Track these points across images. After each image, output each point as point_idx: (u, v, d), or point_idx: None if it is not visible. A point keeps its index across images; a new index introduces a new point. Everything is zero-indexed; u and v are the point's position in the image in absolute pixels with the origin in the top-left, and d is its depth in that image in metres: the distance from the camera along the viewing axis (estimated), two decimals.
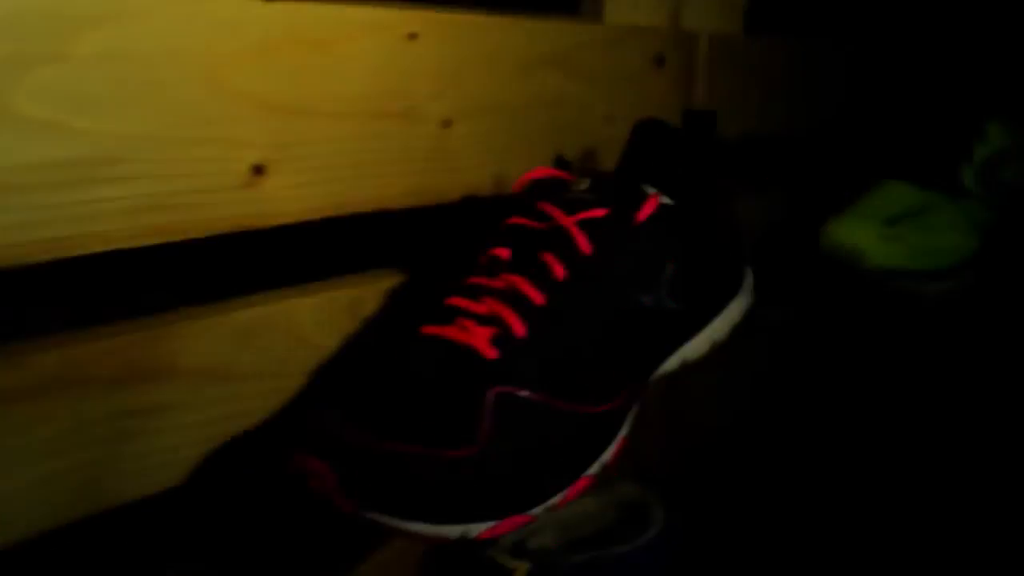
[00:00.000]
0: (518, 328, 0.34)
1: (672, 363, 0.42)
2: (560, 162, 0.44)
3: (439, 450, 0.31)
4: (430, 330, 0.35)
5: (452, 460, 0.31)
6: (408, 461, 0.31)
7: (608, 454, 0.36)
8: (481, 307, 0.36)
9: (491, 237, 0.39)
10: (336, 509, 0.31)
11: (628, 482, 0.52)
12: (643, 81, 0.56)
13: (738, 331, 0.46)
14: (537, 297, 0.35)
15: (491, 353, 0.34)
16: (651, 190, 0.40)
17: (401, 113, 0.42)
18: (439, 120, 0.44)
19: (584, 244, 0.36)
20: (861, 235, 0.62)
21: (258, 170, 0.36)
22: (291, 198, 0.38)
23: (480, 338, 0.34)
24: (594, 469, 0.36)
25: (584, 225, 0.37)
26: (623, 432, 0.38)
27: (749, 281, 0.47)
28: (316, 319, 0.40)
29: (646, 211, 0.38)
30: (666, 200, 0.40)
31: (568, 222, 0.37)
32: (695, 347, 0.43)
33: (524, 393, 0.33)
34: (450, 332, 0.35)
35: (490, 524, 0.32)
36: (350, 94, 0.39)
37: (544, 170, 0.41)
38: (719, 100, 0.63)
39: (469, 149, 0.45)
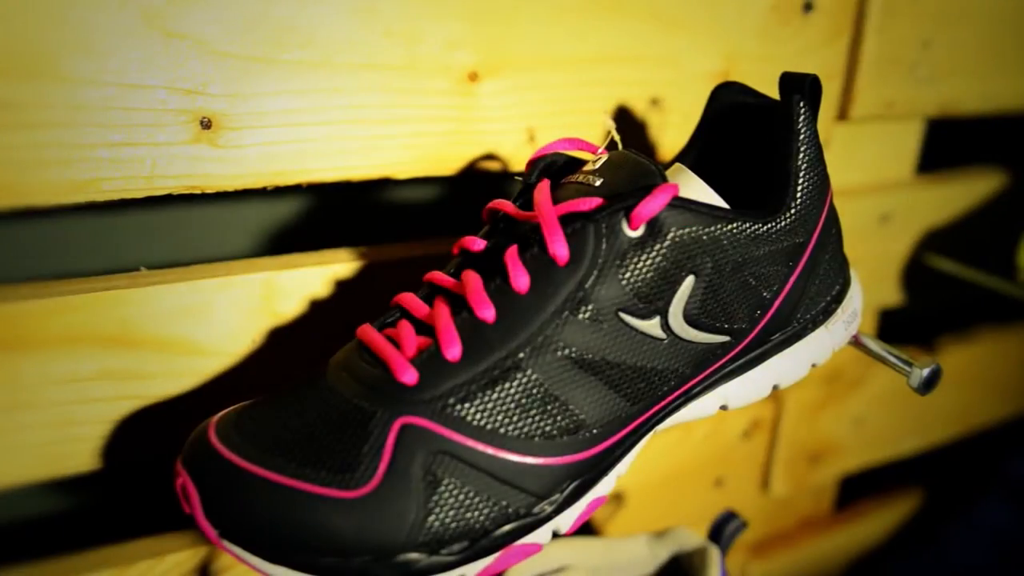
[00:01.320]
0: (451, 348, 0.27)
1: (700, 408, 0.32)
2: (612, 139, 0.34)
3: (324, 488, 0.25)
4: (365, 332, 0.29)
5: (336, 500, 0.25)
6: (286, 494, 0.25)
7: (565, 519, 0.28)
8: (422, 310, 0.29)
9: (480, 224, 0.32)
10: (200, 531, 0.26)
11: (685, 529, 0.42)
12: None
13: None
14: (487, 311, 0.27)
15: (408, 377, 0.27)
16: (688, 178, 0.30)
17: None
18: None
19: (559, 247, 0.27)
20: None
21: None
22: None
23: (399, 355, 0.27)
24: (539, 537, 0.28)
25: (566, 221, 0.28)
26: (598, 492, 0.29)
27: (853, 298, 0.35)
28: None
29: (650, 206, 0.27)
30: (699, 190, 0.30)
31: (548, 214, 0.28)
32: (746, 389, 0.32)
33: (439, 429, 0.26)
34: (378, 341, 0.28)
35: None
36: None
37: (566, 142, 0.32)
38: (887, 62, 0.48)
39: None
